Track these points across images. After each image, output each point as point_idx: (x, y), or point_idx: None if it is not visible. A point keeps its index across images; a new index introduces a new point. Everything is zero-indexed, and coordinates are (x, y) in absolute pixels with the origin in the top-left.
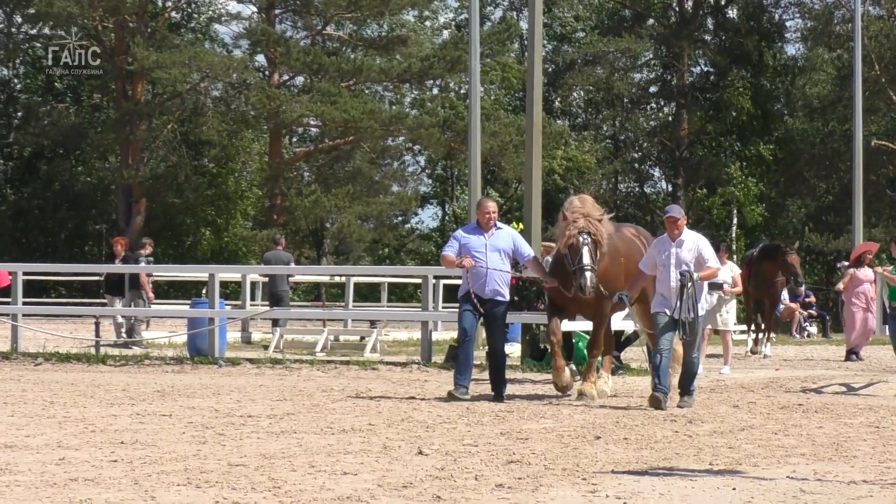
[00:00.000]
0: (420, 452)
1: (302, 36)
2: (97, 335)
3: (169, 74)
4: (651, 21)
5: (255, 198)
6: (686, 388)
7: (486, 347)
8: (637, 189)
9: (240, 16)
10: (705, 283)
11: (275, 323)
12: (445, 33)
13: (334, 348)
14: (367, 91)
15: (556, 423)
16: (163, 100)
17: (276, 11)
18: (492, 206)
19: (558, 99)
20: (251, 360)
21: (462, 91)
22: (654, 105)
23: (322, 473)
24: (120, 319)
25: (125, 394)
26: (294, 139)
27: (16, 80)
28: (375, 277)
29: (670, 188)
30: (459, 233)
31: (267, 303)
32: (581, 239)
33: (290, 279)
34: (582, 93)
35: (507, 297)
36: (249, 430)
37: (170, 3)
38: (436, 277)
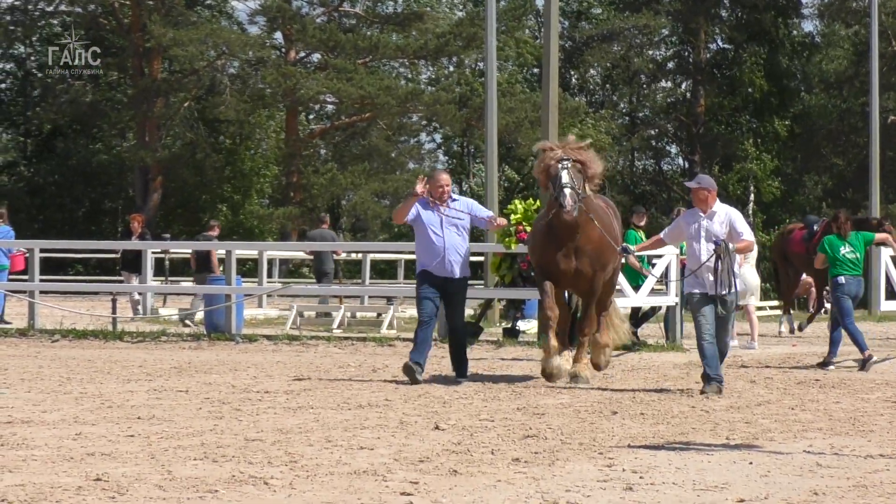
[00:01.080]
0: (437, 427)
1: (318, 13)
2: (114, 312)
3: (186, 51)
4: None
5: (272, 175)
6: (716, 373)
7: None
8: (654, 166)
9: None
10: (738, 256)
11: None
12: (461, 11)
13: (351, 325)
14: (383, 68)
15: (572, 399)
16: (180, 77)
17: None
18: (445, 178)
19: (575, 75)
20: (268, 337)
21: (478, 67)
22: (670, 82)
23: (339, 448)
24: (136, 296)
25: (142, 370)
26: (310, 116)
27: (32, 58)
28: (391, 254)
29: (687, 165)
30: (415, 207)
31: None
32: (561, 165)
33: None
34: (599, 69)
35: (467, 273)
36: (266, 405)
37: None
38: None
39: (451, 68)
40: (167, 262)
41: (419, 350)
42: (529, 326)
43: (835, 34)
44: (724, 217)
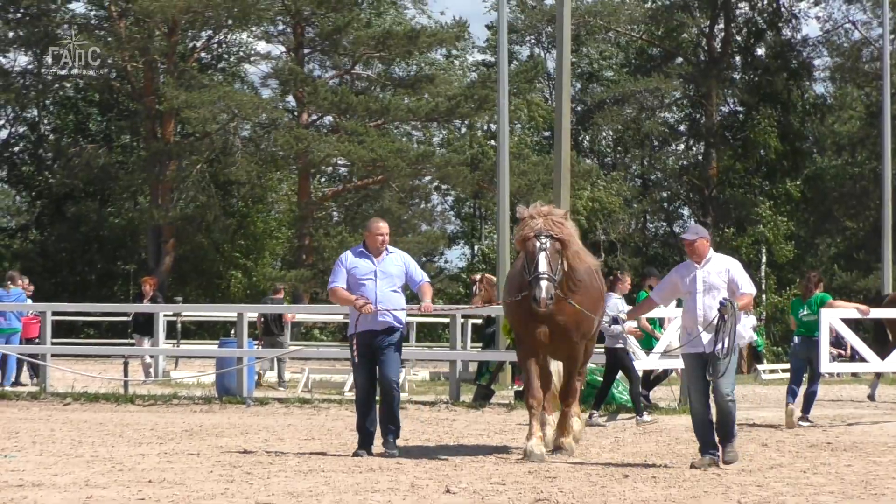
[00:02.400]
0: (448, 491)
1: (330, 75)
2: (126, 375)
3: (198, 114)
4: (679, 60)
5: (284, 238)
6: (728, 434)
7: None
8: (666, 228)
9: (269, 55)
10: (742, 313)
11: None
12: (473, 73)
13: None
14: (394, 130)
15: (584, 462)
16: (192, 140)
17: (305, 51)
18: (384, 227)
19: (587, 138)
20: (279, 400)
21: (490, 130)
22: (682, 144)
23: None
24: (148, 359)
25: (153, 433)
26: (322, 179)
27: (46, 121)
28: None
29: None
30: (346, 257)
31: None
32: (539, 243)
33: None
34: (610, 132)
35: (402, 324)
36: (277, 468)
37: (199, 44)
38: (464, 317)
39: (463, 130)
40: (179, 325)
41: (363, 437)
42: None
43: (847, 96)
44: (721, 267)
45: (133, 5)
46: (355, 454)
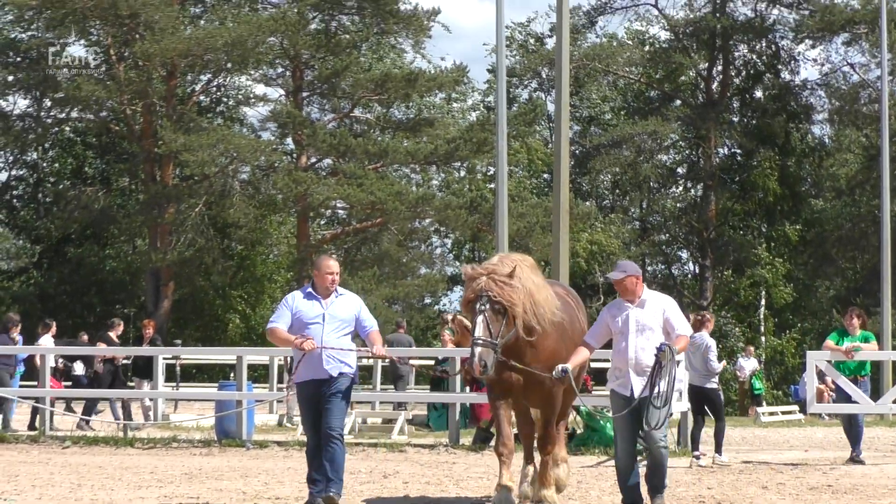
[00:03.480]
0: None
1: (329, 118)
2: (126, 418)
3: (197, 157)
4: (678, 102)
5: (283, 280)
6: (658, 485)
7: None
8: (665, 271)
9: (267, 98)
10: (680, 358)
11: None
12: (473, 115)
13: (362, 430)
14: (393, 173)
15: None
16: (191, 183)
17: (304, 94)
18: (334, 265)
19: (586, 180)
20: (279, 443)
21: (489, 173)
22: (681, 186)
23: None
24: (148, 402)
25: (153, 476)
26: (322, 221)
27: (44, 164)
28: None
29: (698, 270)
30: (292, 297)
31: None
32: (478, 305)
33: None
34: (609, 174)
35: (353, 370)
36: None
37: (198, 87)
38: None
39: (462, 173)
40: (178, 368)
41: (317, 490)
42: None
43: (846, 138)
44: (657, 307)
45: (132, 49)
46: None
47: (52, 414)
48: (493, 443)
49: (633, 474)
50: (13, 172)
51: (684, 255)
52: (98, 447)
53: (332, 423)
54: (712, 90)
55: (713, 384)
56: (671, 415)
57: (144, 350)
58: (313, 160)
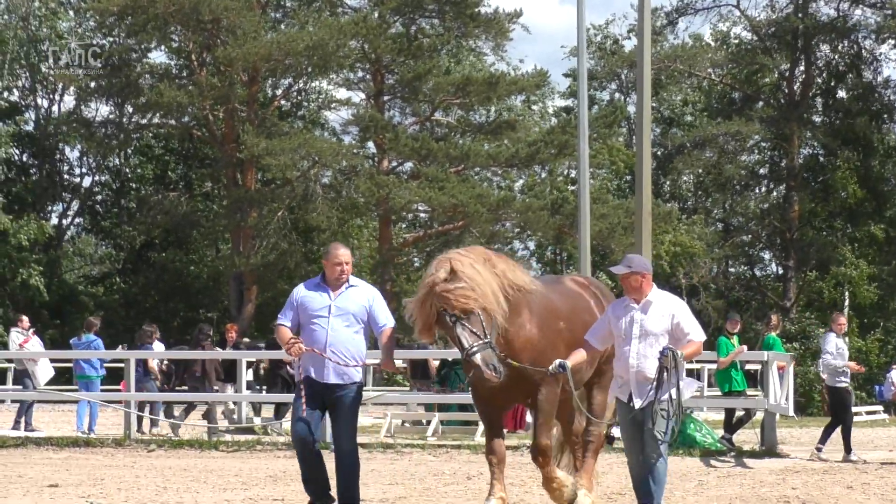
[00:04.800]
0: None
1: (410, 122)
2: (210, 421)
3: (279, 161)
4: (760, 103)
5: None
6: (659, 499)
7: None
8: (748, 272)
9: (349, 102)
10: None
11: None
12: (553, 118)
13: (445, 432)
14: (475, 176)
15: None
16: (273, 187)
17: (385, 98)
18: (344, 254)
19: (667, 182)
20: (362, 445)
21: (570, 175)
22: (763, 188)
23: None
24: (231, 406)
25: (238, 479)
26: (403, 225)
27: (127, 170)
28: None
29: (781, 271)
30: (297, 291)
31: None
32: (447, 320)
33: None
34: (691, 176)
35: (359, 378)
36: None
37: (279, 91)
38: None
39: (544, 175)
40: (262, 372)
41: (313, 491)
42: None
43: None
44: (665, 309)
45: (214, 54)
46: None
47: (139, 418)
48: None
49: (649, 491)
50: (96, 178)
51: (767, 256)
52: (183, 450)
53: (343, 444)
54: (794, 91)
55: (840, 383)
56: (676, 428)
57: (228, 354)
58: (395, 164)
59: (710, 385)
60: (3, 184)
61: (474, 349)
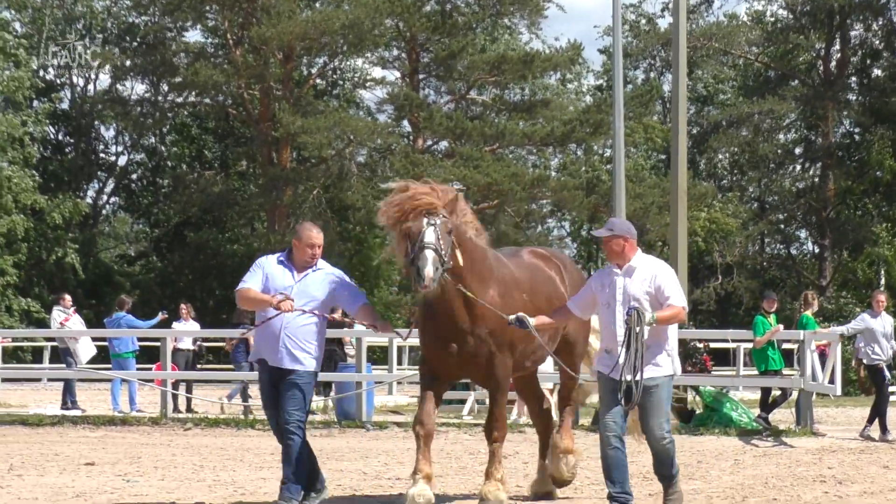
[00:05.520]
0: None
1: (445, 100)
2: (245, 400)
3: (314, 140)
4: (795, 82)
5: (401, 263)
6: (667, 474)
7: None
8: (783, 251)
9: (384, 81)
10: (670, 330)
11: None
12: (587, 97)
13: (481, 411)
14: (509, 155)
15: (704, 485)
16: (308, 165)
17: (420, 76)
18: (318, 236)
19: (703, 160)
20: (398, 424)
21: (605, 153)
22: (798, 166)
23: None
24: None
25: (274, 457)
26: None
27: (163, 149)
28: None
29: (817, 249)
30: (265, 260)
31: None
32: (425, 220)
33: None
34: (726, 154)
35: (312, 366)
36: (397, 492)
37: (314, 70)
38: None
39: (579, 154)
40: None
41: (291, 479)
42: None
43: None
44: (648, 274)
45: (249, 33)
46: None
47: (175, 397)
48: None
49: (619, 465)
50: (132, 157)
51: (802, 234)
52: (219, 429)
53: (287, 416)
54: (829, 69)
55: (874, 361)
56: (637, 394)
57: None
58: (430, 142)
59: (746, 364)
60: (39, 162)
61: (430, 246)
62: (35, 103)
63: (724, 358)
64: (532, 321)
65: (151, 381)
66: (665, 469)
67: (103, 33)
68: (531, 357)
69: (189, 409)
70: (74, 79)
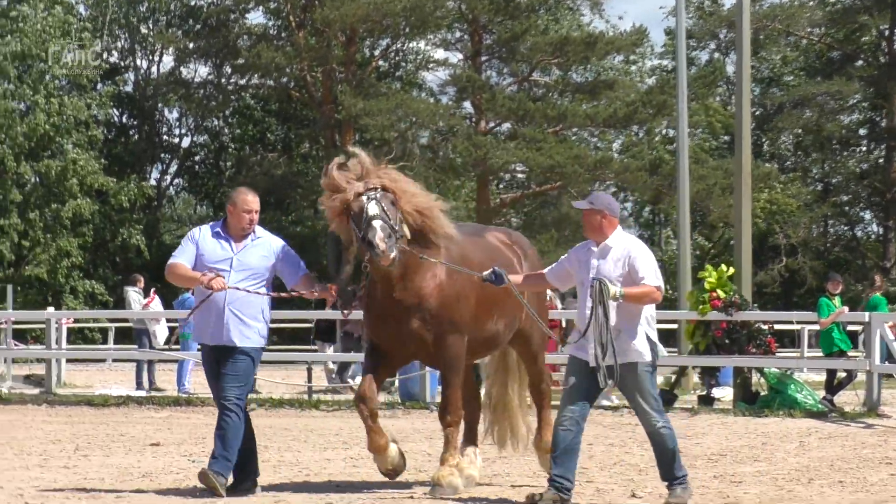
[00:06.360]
0: (633, 496)
1: (508, 82)
2: (309, 381)
3: (377, 122)
4: (859, 63)
5: None
6: (670, 473)
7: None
8: (848, 232)
9: (446, 63)
10: (643, 309)
11: None
12: (651, 79)
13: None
14: (572, 136)
15: (769, 466)
16: (371, 148)
17: (483, 58)
18: (254, 200)
19: (766, 142)
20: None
21: (668, 135)
22: (863, 147)
23: None
24: (331, 365)
25: (338, 438)
26: (501, 185)
27: (226, 131)
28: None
29: (881, 231)
30: (198, 232)
31: None
32: (367, 197)
33: None
34: (790, 135)
35: (259, 343)
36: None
37: (377, 52)
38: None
39: (641, 135)
40: (361, 332)
41: (217, 457)
42: (724, 394)
43: None
44: (621, 253)
45: (312, 15)
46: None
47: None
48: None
49: (568, 449)
50: (195, 139)
51: (867, 216)
52: (283, 409)
53: (227, 392)
54: (894, 50)
55: None
56: (617, 372)
57: (327, 314)
58: (492, 124)
59: (810, 346)
60: (104, 145)
61: (378, 218)
62: (99, 86)
63: (788, 339)
64: (507, 276)
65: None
66: (666, 464)
67: (167, 15)
68: (491, 338)
69: (253, 390)
70: (138, 61)
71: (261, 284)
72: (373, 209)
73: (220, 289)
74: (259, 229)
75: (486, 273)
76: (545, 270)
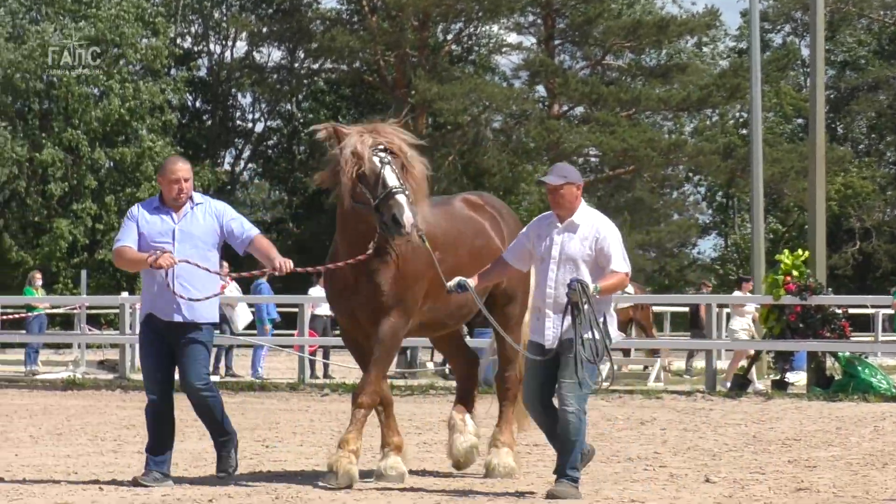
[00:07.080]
0: (707, 480)
1: (581, 66)
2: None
3: (450, 106)
4: None
5: None
6: (562, 468)
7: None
8: None
9: (520, 47)
10: (611, 300)
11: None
12: (724, 61)
13: (618, 378)
14: (645, 120)
15: (844, 451)
16: (444, 132)
17: (556, 42)
18: (183, 168)
19: (841, 125)
20: None
21: (741, 118)
22: None
23: (610, 501)
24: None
25: (411, 423)
26: None
27: (299, 115)
28: (658, 306)
29: None
30: (137, 209)
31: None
32: (380, 157)
33: None
34: (864, 118)
35: (212, 318)
36: (535, 458)
37: (450, 36)
38: (719, 306)
39: (715, 119)
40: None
41: (156, 452)
42: (798, 378)
43: None
44: (589, 232)
45: (385, 0)
46: (135, 482)
47: (312, 363)
48: (750, 389)
49: (553, 424)
50: (268, 123)
51: None
52: None
53: (193, 380)
54: None
55: None
56: (602, 376)
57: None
58: (565, 108)
59: (885, 330)
60: (178, 129)
61: (399, 189)
62: (173, 71)
63: (863, 323)
64: (472, 282)
65: (290, 346)
66: (563, 456)
67: (239, 0)
68: (462, 305)
69: (326, 375)
70: (211, 46)
71: (210, 253)
72: (391, 179)
73: (169, 265)
74: (197, 195)
75: (450, 284)
76: (503, 254)
